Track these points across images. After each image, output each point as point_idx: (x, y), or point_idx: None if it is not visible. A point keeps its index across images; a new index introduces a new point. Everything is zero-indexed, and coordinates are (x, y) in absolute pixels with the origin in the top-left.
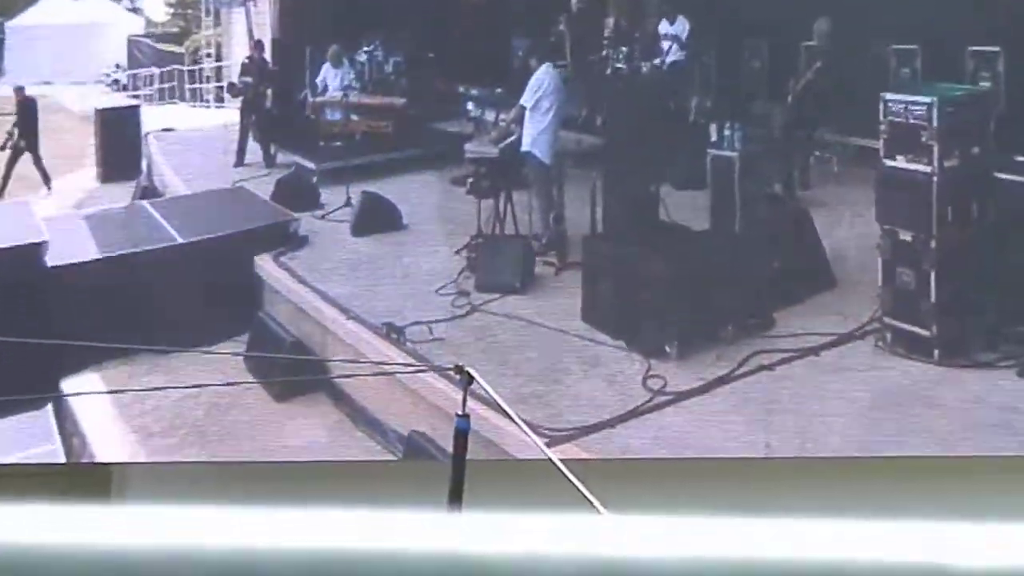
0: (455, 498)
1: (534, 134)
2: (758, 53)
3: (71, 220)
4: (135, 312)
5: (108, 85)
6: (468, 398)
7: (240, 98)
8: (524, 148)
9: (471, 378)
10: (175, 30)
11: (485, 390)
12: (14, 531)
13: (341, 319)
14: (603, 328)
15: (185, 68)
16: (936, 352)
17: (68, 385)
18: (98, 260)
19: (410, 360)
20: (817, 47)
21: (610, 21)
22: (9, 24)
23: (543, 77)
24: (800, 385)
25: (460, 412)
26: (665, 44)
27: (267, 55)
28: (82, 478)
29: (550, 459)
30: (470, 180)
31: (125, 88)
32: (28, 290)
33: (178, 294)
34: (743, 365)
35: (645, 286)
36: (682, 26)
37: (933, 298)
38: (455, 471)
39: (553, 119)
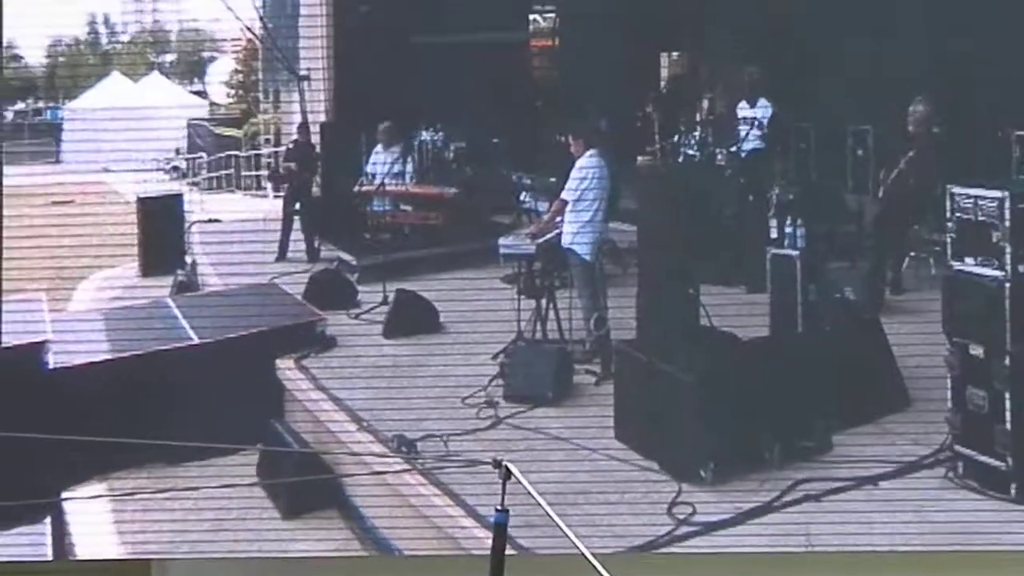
0: None
1: (576, 229)
2: (861, 140)
3: (90, 318)
4: (141, 417)
5: (167, 172)
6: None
7: (284, 186)
8: (565, 244)
9: (509, 473)
10: (237, 114)
11: (524, 487)
12: None
13: (352, 429)
14: (634, 446)
15: (241, 154)
16: (1013, 487)
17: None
18: (104, 361)
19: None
20: (913, 133)
21: (704, 103)
22: (68, 107)
23: (588, 166)
24: (849, 519)
25: (499, 507)
26: (743, 128)
27: (315, 139)
28: None
29: (590, 561)
30: (521, 278)
31: (185, 175)
32: (25, 393)
33: (190, 397)
34: (787, 494)
35: (679, 401)
36: (764, 109)
37: (1008, 423)
38: (494, 567)
39: (597, 213)
